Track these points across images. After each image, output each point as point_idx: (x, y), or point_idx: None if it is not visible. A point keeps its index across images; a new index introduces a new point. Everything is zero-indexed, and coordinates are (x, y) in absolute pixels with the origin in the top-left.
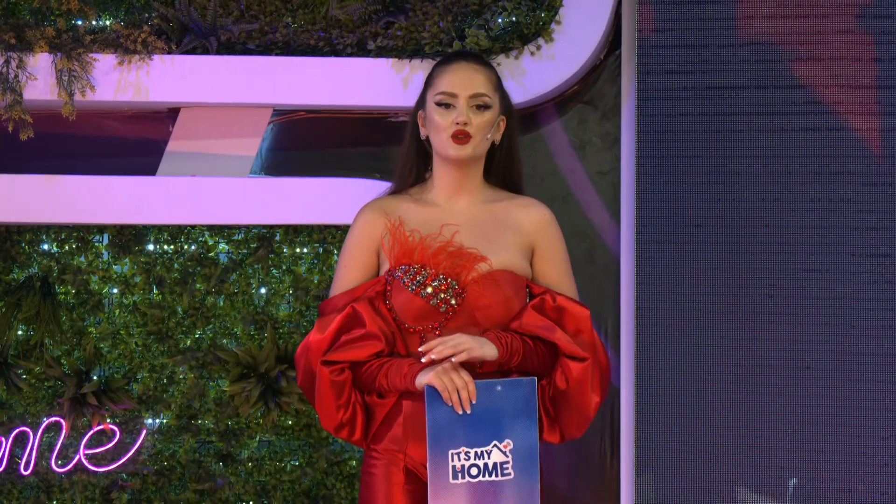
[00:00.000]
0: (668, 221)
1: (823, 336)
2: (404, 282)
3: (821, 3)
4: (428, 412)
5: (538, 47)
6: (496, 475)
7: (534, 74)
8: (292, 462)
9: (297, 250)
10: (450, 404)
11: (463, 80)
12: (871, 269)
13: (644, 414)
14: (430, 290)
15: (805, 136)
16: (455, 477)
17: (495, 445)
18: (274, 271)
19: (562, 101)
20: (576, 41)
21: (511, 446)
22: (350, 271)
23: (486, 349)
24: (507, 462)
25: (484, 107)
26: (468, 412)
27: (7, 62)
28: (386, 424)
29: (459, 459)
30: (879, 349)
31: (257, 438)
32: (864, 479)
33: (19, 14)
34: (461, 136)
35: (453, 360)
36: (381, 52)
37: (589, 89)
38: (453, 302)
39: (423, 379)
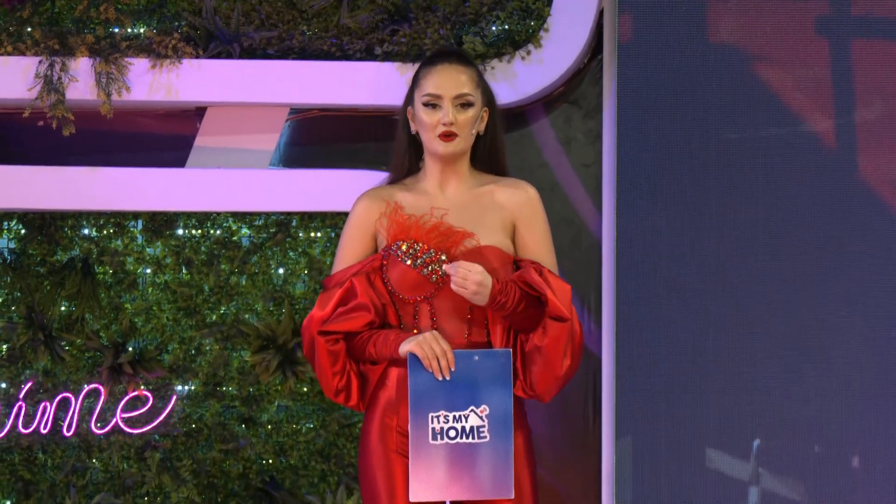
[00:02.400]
0: (645, 209)
1: (788, 309)
2: (399, 255)
3: (781, 12)
4: (410, 378)
5: (528, 52)
6: (473, 437)
7: (524, 77)
8: (307, 424)
9: (312, 234)
10: (430, 371)
11: (447, 82)
12: (831, 251)
13: (623, 380)
14: (422, 262)
15: (768, 131)
16: (434, 438)
17: (472, 410)
18: (291, 253)
19: (549, 101)
20: (562, 47)
21: (487, 411)
22: (349, 251)
23: (475, 299)
24: (484, 426)
25: (467, 104)
26: (447, 378)
27: (51, 66)
28: (379, 390)
29: (439, 422)
30: (836, 324)
31: (276, 403)
32: (821, 442)
33: (62, 23)
34: (448, 136)
35: (452, 286)
36: (387, 57)
37: (574, 90)
38: (444, 273)
39: (405, 347)
